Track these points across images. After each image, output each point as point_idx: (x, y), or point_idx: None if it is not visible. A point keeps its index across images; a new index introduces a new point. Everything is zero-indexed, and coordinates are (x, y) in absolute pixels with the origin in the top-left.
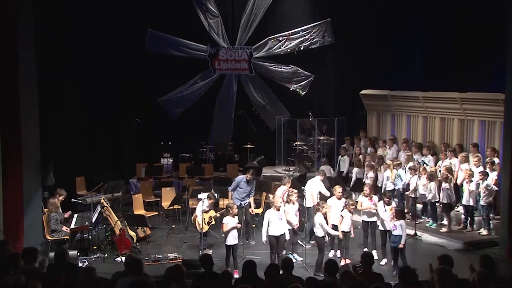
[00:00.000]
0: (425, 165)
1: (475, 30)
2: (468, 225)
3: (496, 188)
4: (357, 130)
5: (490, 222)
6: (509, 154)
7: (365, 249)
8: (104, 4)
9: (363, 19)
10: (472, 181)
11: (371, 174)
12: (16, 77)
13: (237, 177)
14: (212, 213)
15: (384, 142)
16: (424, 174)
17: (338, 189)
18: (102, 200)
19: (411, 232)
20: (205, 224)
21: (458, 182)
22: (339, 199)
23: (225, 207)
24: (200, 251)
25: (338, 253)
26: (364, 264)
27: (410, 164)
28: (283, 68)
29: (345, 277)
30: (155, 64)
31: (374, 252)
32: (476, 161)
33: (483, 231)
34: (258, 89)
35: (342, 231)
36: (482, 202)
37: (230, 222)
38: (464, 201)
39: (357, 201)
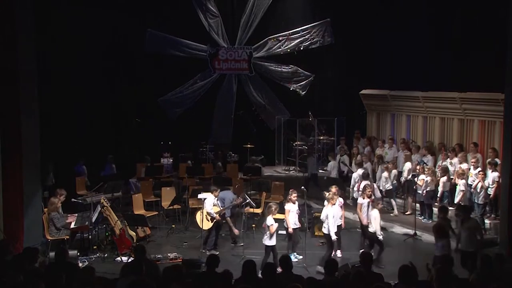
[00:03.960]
0: (424, 164)
1: (475, 30)
2: None
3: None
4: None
5: (485, 221)
6: (509, 154)
7: (361, 251)
8: (104, 4)
9: (363, 19)
10: (463, 179)
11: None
12: (16, 77)
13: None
14: (216, 209)
15: (383, 142)
16: (424, 174)
17: (333, 189)
18: (102, 200)
19: (411, 232)
20: (208, 220)
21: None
22: None
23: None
24: (206, 251)
25: (339, 252)
26: (364, 264)
27: (408, 164)
28: (283, 68)
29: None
30: (155, 64)
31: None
32: (473, 161)
33: None
34: (258, 89)
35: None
36: (478, 201)
37: (274, 222)
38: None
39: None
